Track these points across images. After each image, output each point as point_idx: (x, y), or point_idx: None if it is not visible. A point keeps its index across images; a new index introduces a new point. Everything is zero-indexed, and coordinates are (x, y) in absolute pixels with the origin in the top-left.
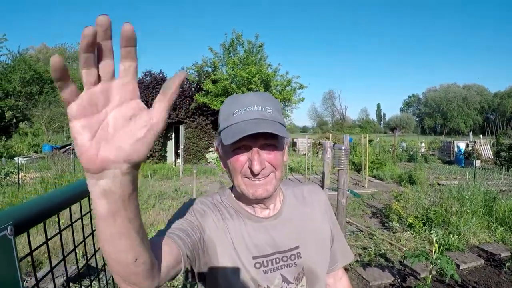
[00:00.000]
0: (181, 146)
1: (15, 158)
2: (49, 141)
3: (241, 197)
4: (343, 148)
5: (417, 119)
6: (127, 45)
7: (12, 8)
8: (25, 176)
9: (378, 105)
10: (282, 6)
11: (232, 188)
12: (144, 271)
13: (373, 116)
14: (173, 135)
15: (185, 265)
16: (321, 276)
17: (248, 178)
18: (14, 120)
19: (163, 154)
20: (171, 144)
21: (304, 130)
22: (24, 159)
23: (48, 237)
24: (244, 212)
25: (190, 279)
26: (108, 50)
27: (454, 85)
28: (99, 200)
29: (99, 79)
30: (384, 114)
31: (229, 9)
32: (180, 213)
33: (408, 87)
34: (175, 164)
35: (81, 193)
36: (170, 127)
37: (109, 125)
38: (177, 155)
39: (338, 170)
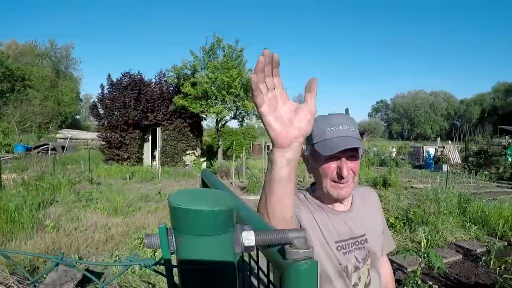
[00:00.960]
0: (158, 149)
1: None
2: (21, 141)
3: (322, 196)
4: None
5: (385, 124)
6: (275, 67)
7: None
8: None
9: (346, 110)
10: (249, 11)
11: (311, 189)
12: (292, 225)
13: None
14: (150, 137)
15: None
16: (380, 258)
17: (334, 182)
18: None
19: (140, 157)
20: (147, 146)
21: None
22: None
23: None
24: (326, 207)
25: None
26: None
27: (422, 91)
28: (283, 168)
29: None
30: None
31: (206, 12)
32: None
33: (376, 93)
34: (151, 166)
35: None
36: (147, 129)
37: (283, 116)
38: (153, 157)
39: None
